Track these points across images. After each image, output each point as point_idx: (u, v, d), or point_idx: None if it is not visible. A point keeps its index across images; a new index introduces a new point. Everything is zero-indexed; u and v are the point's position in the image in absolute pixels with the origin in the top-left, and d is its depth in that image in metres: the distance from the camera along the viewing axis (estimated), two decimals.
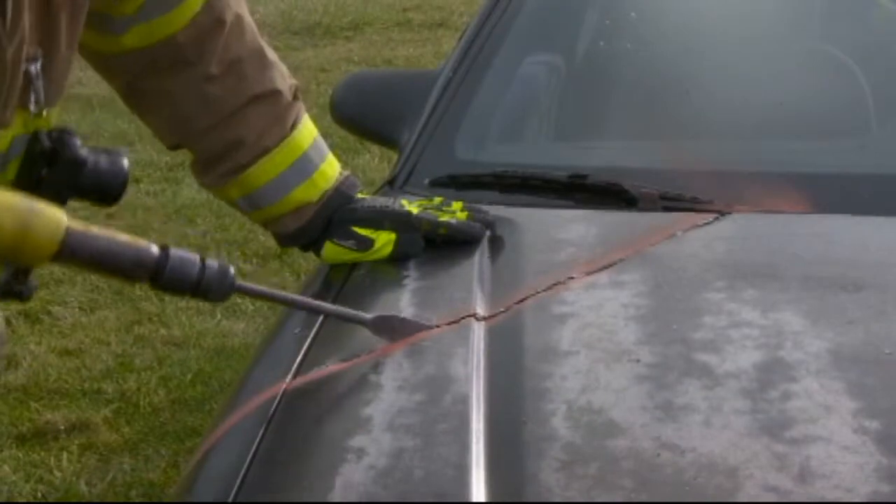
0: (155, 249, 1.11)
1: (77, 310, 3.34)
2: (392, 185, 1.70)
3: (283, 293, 1.31)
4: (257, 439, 1.09)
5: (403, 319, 1.20)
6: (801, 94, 1.74)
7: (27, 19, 1.11)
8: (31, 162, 1.17)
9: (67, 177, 1.17)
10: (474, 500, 0.93)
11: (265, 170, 1.39)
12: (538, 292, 1.25)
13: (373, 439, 1.02)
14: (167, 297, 3.38)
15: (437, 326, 1.19)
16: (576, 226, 1.46)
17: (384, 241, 1.39)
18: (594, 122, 1.88)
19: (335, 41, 5.96)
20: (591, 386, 1.07)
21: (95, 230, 1.09)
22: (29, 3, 1.11)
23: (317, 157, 1.43)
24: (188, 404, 2.88)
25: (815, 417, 1.00)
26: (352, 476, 0.98)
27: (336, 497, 0.95)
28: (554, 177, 1.56)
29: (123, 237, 1.10)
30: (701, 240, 1.37)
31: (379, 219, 1.40)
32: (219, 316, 3.29)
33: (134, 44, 1.33)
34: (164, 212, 4.05)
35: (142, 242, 1.11)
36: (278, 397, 1.15)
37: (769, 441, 0.97)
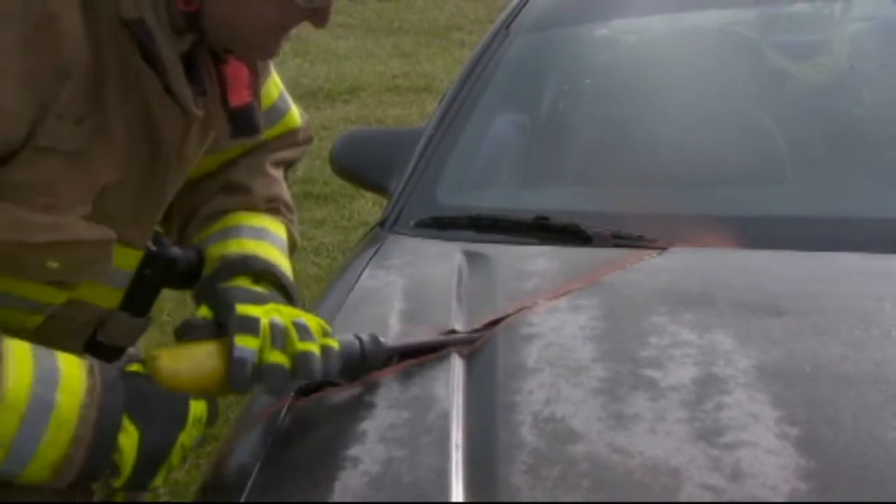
0: None
1: None
2: (383, 225, 1.70)
3: (425, 340, 1.20)
4: (267, 447, 1.08)
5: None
6: (730, 149, 1.75)
7: None
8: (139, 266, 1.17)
9: (165, 273, 1.18)
10: (454, 500, 0.92)
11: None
12: (508, 315, 1.24)
13: (367, 450, 1.01)
14: None
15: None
16: (540, 260, 1.45)
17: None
18: (555, 172, 1.88)
19: (335, 104, 5.97)
20: (554, 399, 1.05)
21: None
22: None
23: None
24: None
25: (744, 425, 0.99)
26: (348, 481, 0.97)
27: (334, 498, 0.94)
28: (521, 218, 1.56)
29: None
30: (646, 271, 1.37)
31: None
32: None
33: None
34: None
35: None
36: (285, 411, 1.13)
37: (705, 446, 0.96)
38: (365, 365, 1.11)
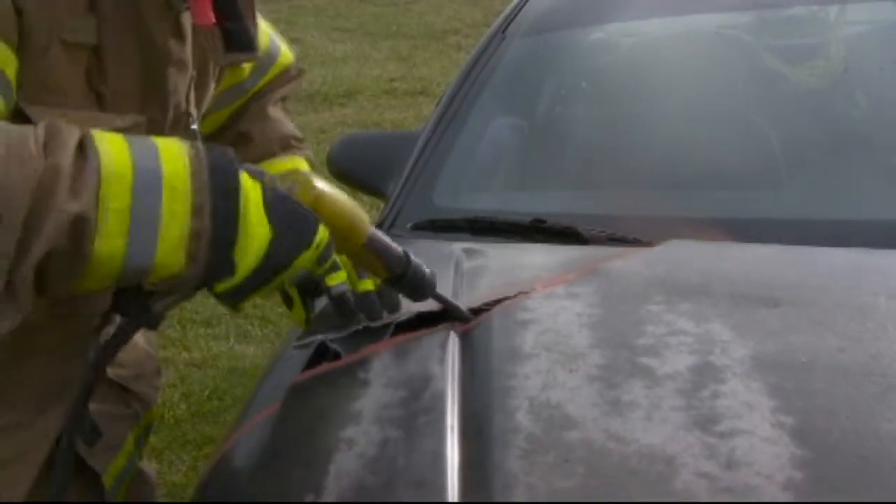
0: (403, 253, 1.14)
1: None
2: (380, 228, 1.70)
3: (450, 299, 1.21)
4: (264, 448, 1.06)
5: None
6: (726, 153, 1.76)
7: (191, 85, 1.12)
8: None
9: None
10: (449, 483, 0.91)
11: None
12: (505, 299, 1.23)
13: (362, 431, 1.00)
14: (187, 325, 3.35)
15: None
16: (536, 255, 1.45)
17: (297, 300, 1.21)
18: (552, 175, 1.88)
19: (332, 107, 5.96)
20: (550, 384, 1.05)
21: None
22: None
23: None
24: (206, 417, 2.84)
25: (740, 414, 0.99)
26: (343, 464, 0.96)
27: (330, 482, 0.93)
28: (518, 221, 1.56)
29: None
30: (643, 262, 1.36)
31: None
32: (232, 341, 3.25)
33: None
34: None
35: (398, 246, 1.14)
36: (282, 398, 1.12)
37: (701, 434, 0.96)
38: (420, 289, 1.15)
